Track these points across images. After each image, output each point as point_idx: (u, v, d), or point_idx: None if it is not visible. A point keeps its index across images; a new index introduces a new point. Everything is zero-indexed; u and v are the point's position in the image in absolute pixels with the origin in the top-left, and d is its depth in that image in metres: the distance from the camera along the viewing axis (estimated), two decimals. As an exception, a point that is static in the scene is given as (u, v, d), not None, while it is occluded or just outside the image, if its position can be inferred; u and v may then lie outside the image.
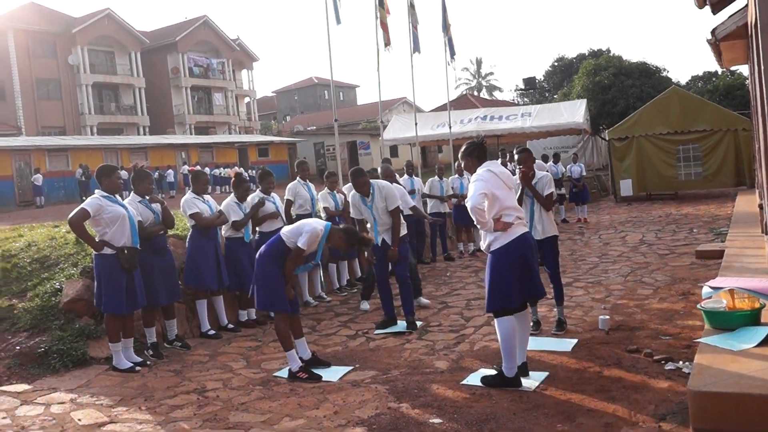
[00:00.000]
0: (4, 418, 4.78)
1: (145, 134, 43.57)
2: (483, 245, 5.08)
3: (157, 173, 31.30)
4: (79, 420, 4.71)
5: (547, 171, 7.97)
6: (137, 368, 5.85)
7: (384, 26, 15.81)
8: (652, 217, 15.61)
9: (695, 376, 4.11)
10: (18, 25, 39.99)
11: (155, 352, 6.32)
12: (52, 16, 43.19)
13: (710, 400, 3.85)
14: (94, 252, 5.88)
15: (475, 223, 4.93)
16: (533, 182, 6.24)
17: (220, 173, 30.88)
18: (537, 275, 5.01)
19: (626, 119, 20.56)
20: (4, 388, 5.37)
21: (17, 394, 5.25)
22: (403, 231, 7.07)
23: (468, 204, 4.86)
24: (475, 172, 5.02)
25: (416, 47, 18.09)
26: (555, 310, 7.17)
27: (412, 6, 18.07)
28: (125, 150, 33.40)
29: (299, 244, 5.40)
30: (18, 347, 5.92)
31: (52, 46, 41.86)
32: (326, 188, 9.17)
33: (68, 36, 41.98)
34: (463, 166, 5.20)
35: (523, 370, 5.06)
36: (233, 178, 7.59)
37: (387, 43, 15.86)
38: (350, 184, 7.17)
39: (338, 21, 13.32)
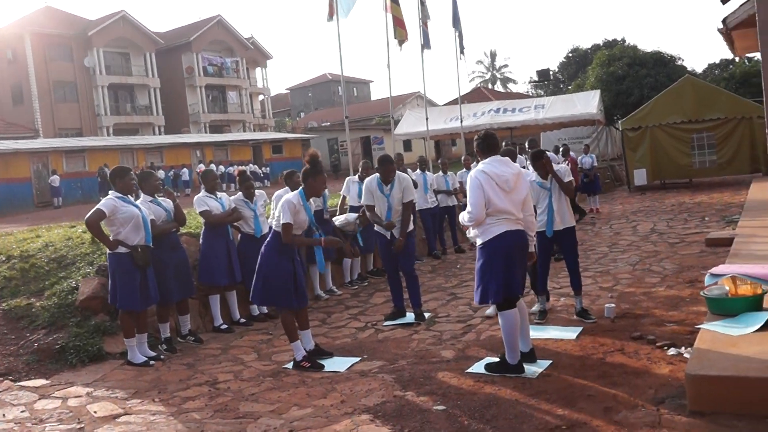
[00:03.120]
0: (23, 411, 4.95)
1: (160, 134, 43.98)
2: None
3: (172, 172, 31.65)
4: (95, 412, 4.87)
5: (559, 164, 8.08)
6: (151, 362, 6.00)
7: (400, 22, 15.82)
8: (665, 206, 15.55)
9: (693, 361, 4.19)
10: (34, 29, 40.55)
11: (169, 346, 6.47)
12: (67, 19, 43.75)
13: (707, 384, 3.93)
14: (108, 251, 6.04)
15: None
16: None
17: (233, 171, 31.23)
18: (518, 274, 5.00)
19: (639, 109, 20.43)
20: (23, 383, 5.54)
21: (35, 388, 5.42)
22: (410, 227, 7.15)
23: (466, 216, 4.97)
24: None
25: (426, 44, 18.10)
26: (562, 300, 7.26)
27: (422, 2, 18.07)
28: (141, 150, 33.72)
29: (283, 221, 5.55)
30: (36, 344, 6.09)
31: (68, 49, 42.37)
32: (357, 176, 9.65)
33: (84, 38, 42.49)
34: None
35: (530, 357, 5.15)
36: (237, 176, 7.75)
37: (404, 39, 15.85)
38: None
39: (329, 19, 13.54)
